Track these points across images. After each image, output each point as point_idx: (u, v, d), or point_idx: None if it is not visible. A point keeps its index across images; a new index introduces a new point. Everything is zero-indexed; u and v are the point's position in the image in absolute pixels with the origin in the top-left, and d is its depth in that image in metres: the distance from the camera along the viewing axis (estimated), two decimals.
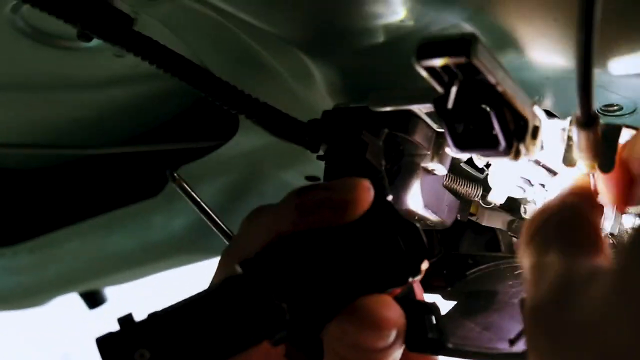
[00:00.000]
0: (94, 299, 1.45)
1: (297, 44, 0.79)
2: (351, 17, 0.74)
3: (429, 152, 0.77)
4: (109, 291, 1.46)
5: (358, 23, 0.75)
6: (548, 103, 0.83)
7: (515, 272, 0.85)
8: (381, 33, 0.76)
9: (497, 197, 0.83)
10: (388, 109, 0.75)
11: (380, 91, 0.76)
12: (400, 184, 0.78)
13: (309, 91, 0.88)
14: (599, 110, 0.82)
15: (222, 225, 0.81)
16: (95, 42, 0.84)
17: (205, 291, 0.56)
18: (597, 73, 0.76)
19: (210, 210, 0.92)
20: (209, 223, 0.83)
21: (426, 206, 0.78)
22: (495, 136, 0.67)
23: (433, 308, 0.72)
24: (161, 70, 0.82)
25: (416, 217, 0.80)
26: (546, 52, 0.77)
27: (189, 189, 0.81)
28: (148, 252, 1.22)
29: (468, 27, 0.75)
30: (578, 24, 0.61)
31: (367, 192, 0.62)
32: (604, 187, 0.63)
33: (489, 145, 0.68)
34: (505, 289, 0.82)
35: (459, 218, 0.84)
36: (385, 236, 0.61)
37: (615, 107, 0.81)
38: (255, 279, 0.55)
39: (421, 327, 0.73)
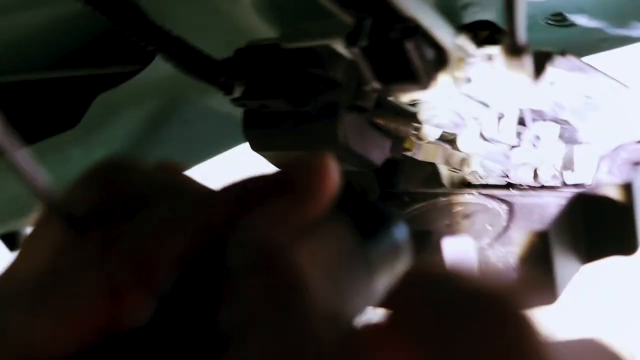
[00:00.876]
0: (13, 241, 1.44)
1: None
2: None
3: (350, 89, 0.77)
4: None
5: None
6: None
7: (454, 210, 0.85)
8: None
9: (430, 132, 0.83)
10: (301, 45, 0.75)
11: (297, 27, 0.76)
12: (320, 125, 0.77)
13: (233, 6, 0.86)
14: (545, 22, 0.82)
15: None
16: None
17: None
18: None
19: None
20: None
21: (351, 147, 0.77)
22: (415, 69, 0.67)
23: None
24: None
25: (341, 160, 0.79)
26: None
27: None
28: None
29: None
30: None
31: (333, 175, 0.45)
32: None
33: (408, 79, 0.68)
34: (439, 229, 0.83)
35: (391, 156, 0.84)
36: None
37: (560, 17, 0.81)
38: None
39: None
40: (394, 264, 0.41)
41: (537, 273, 0.66)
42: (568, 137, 0.82)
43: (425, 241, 0.82)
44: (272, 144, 0.82)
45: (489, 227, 0.80)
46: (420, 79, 0.67)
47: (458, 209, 0.85)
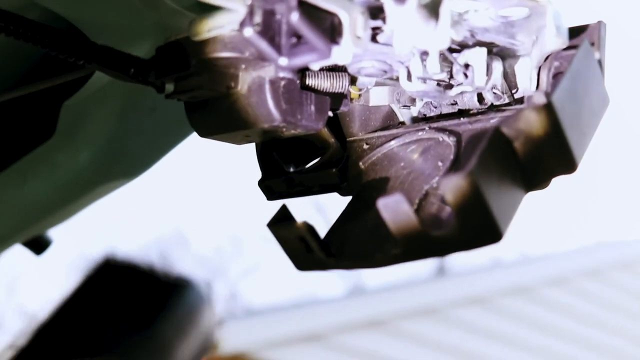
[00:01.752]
0: (38, 245, 1.49)
1: None
2: None
3: (271, 63, 0.77)
4: None
5: None
6: None
7: (408, 149, 0.86)
8: None
9: (366, 82, 0.84)
10: (209, 35, 0.76)
11: (202, 18, 0.77)
12: (252, 102, 0.78)
13: (159, 11, 0.87)
14: None
15: None
16: None
17: None
18: None
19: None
20: None
21: (285, 119, 0.78)
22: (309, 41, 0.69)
23: (308, 229, 0.75)
24: None
25: (280, 132, 0.81)
26: None
27: None
28: (66, 191, 1.25)
29: None
30: None
31: None
32: None
33: (308, 51, 0.69)
34: (397, 174, 0.84)
35: (337, 111, 0.85)
36: None
37: None
38: None
39: (307, 248, 0.76)
40: (196, 325, 0.44)
41: (474, 215, 0.66)
42: (503, 55, 0.82)
43: (382, 189, 0.83)
44: (215, 128, 0.84)
45: (440, 164, 0.82)
46: (318, 48, 0.68)
47: (412, 147, 0.86)
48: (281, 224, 0.76)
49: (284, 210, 0.77)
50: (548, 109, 0.68)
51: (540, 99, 0.69)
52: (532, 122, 0.69)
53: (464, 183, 0.65)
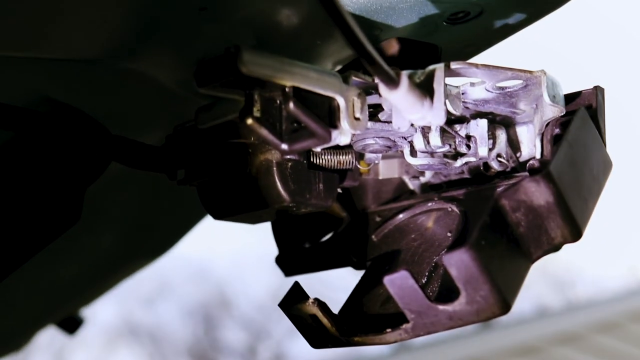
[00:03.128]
0: (71, 324, 1.52)
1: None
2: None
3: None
4: None
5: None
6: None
7: (419, 220, 0.88)
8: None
9: (372, 157, 0.86)
10: (216, 122, 0.78)
11: (206, 107, 0.79)
12: (262, 184, 0.80)
13: (170, 98, 0.90)
14: (446, 22, 0.83)
15: None
16: None
17: None
18: None
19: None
20: None
21: (294, 199, 0.80)
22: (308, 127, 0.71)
23: (320, 307, 0.77)
24: None
25: (292, 211, 0.82)
26: None
27: None
28: (94, 271, 1.28)
29: None
30: None
31: None
32: None
33: (307, 136, 0.71)
34: (408, 246, 0.86)
35: (347, 186, 0.87)
36: None
37: (462, 14, 0.83)
38: None
39: (320, 326, 0.78)
40: None
41: (479, 288, 0.67)
42: (507, 122, 0.84)
43: (394, 262, 0.85)
44: (228, 210, 0.85)
45: (449, 234, 0.83)
46: (317, 133, 0.70)
47: (422, 218, 0.87)
48: (293, 303, 0.78)
49: (296, 288, 0.79)
50: (547, 178, 0.69)
51: (538, 169, 0.70)
52: (531, 193, 0.70)
53: (465, 258, 0.66)
